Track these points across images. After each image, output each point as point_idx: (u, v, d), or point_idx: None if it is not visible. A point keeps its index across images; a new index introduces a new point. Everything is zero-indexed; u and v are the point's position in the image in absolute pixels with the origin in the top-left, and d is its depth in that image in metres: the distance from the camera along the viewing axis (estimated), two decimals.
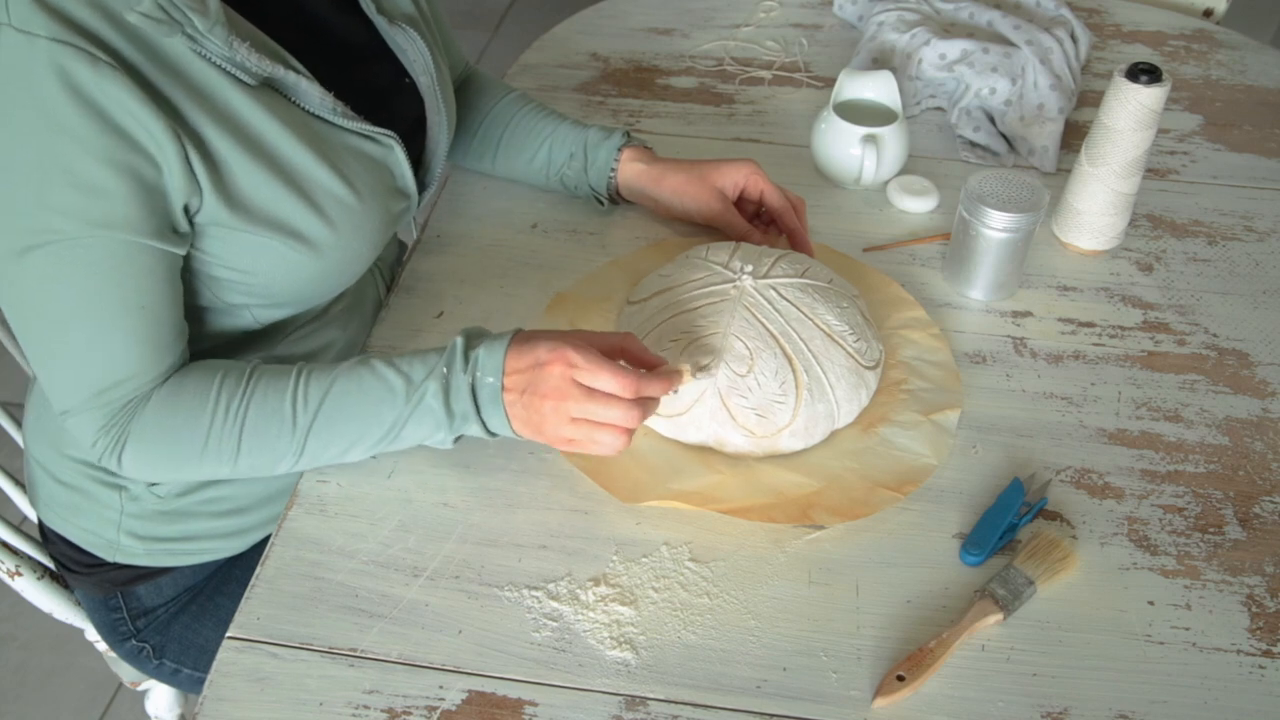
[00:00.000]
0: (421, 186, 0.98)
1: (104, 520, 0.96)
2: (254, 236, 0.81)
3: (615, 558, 0.82)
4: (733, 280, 0.91)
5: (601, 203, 1.10)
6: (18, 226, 0.73)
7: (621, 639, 0.77)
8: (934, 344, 0.96)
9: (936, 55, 1.27)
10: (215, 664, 0.76)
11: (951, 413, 0.91)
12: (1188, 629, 0.78)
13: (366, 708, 0.73)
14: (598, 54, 1.40)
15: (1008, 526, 0.83)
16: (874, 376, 0.91)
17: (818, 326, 0.89)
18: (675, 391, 0.84)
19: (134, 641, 1.03)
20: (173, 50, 0.75)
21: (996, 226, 0.98)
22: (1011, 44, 1.27)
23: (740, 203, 1.07)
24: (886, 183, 1.16)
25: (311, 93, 0.82)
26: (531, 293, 1.03)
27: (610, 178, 1.08)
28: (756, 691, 0.74)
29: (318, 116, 0.84)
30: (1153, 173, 1.20)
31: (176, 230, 0.78)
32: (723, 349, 0.86)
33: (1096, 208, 1.06)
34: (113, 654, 1.09)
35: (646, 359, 0.82)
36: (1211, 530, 0.85)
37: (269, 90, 0.80)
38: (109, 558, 0.98)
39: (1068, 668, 0.76)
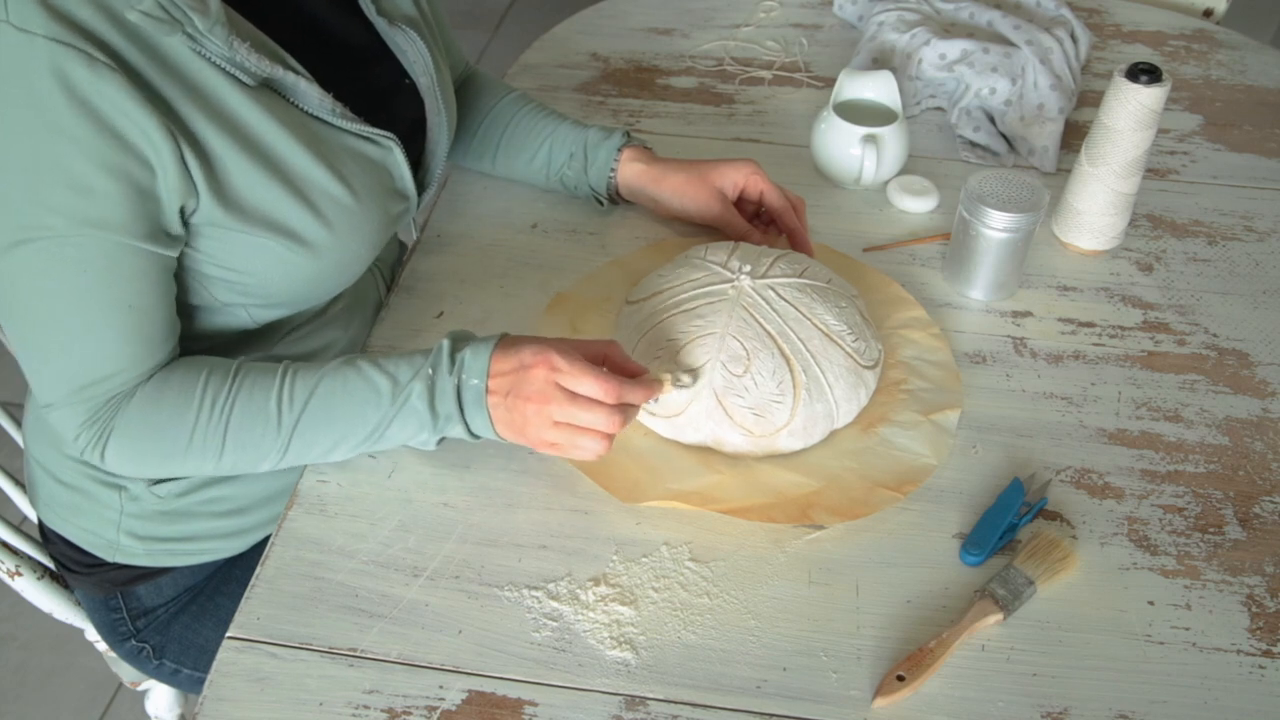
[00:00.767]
0: (421, 187, 0.98)
1: (104, 520, 0.96)
2: (250, 236, 0.81)
3: (615, 558, 0.82)
4: (731, 280, 0.91)
5: (601, 203, 1.10)
6: (8, 221, 0.74)
7: (621, 639, 0.77)
8: (934, 344, 0.96)
9: (936, 55, 1.27)
10: (215, 664, 0.76)
11: (951, 413, 0.91)
12: (1188, 629, 0.78)
13: (366, 708, 0.73)
14: (598, 54, 1.40)
15: (1008, 526, 0.83)
16: (873, 376, 0.91)
17: (816, 326, 0.89)
18: (655, 400, 0.85)
19: (134, 641, 1.03)
20: (172, 49, 0.75)
21: (996, 226, 0.98)
22: (1011, 44, 1.27)
23: (740, 203, 1.07)
24: (886, 183, 1.16)
25: (310, 93, 0.82)
26: (531, 293, 1.03)
27: (610, 177, 1.08)
28: (756, 691, 0.74)
29: (316, 117, 0.84)
30: (1153, 173, 1.20)
31: (169, 233, 0.78)
32: (708, 364, 0.86)
33: (1096, 208, 1.06)
34: (113, 654, 1.09)
35: (629, 367, 0.83)
36: (1211, 530, 0.85)
37: (268, 91, 0.80)
38: (109, 558, 0.98)
39: (1068, 668, 0.76)
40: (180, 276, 0.84)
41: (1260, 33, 2.79)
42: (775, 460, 0.87)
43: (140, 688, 1.21)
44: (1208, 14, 1.57)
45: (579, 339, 0.83)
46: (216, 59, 0.76)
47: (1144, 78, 0.99)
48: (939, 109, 1.29)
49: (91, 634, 1.11)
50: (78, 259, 0.75)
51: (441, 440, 0.84)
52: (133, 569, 0.99)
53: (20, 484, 1.10)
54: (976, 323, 1.02)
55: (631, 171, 1.07)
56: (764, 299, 0.89)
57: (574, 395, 0.78)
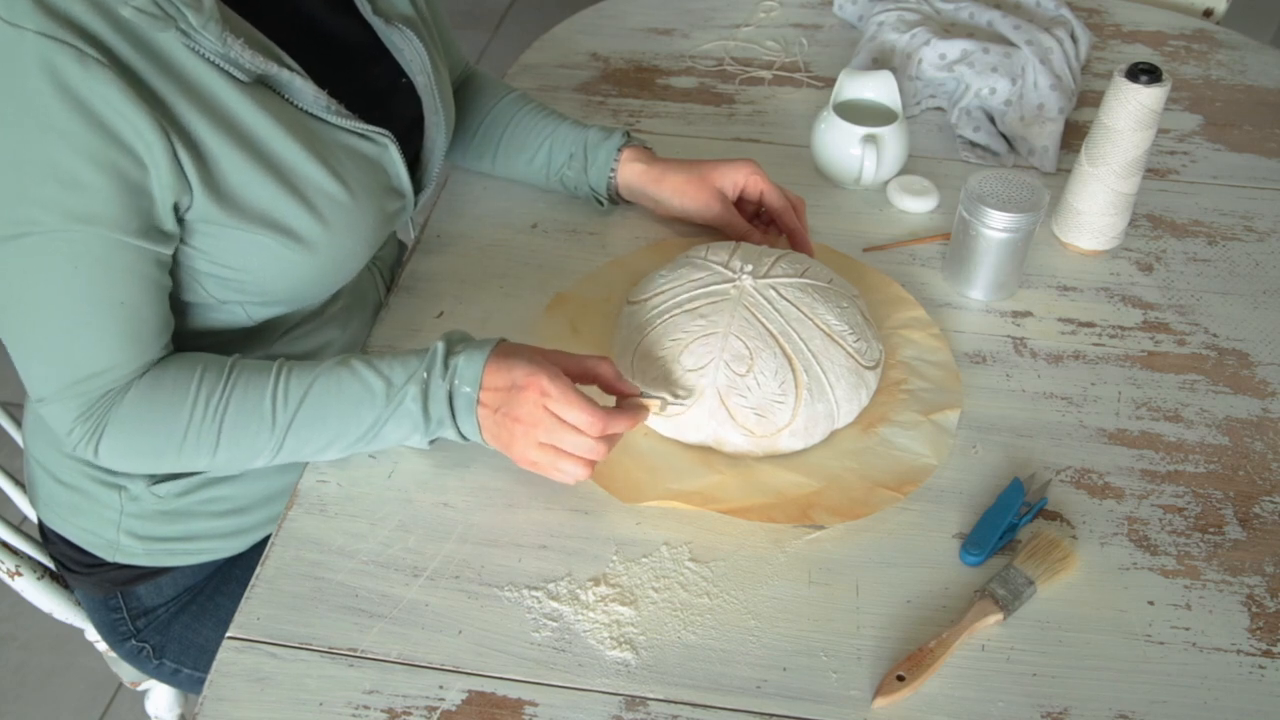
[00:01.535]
0: (419, 186, 0.98)
1: (104, 520, 0.96)
2: (246, 233, 0.81)
3: (615, 558, 0.82)
4: (733, 280, 0.91)
5: (601, 203, 1.10)
6: None
7: (621, 639, 0.77)
8: (934, 344, 0.96)
9: (936, 55, 1.27)
10: (215, 664, 0.76)
11: (951, 413, 0.91)
12: (1188, 629, 0.78)
13: (366, 708, 0.73)
14: (598, 54, 1.40)
15: (1008, 526, 0.83)
16: (874, 376, 0.91)
17: (817, 326, 0.89)
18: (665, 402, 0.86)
19: (134, 641, 1.03)
20: (166, 45, 0.75)
21: (996, 226, 0.98)
22: (1011, 44, 1.27)
23: (740, 203, 1.07)
24: (886, 183, 1.16)
25: (305, 90, 0.82)
26: (531, 293, 1.03)
27: (610, 178, 1.08)
28: (756, 691, 0.74)
29: (312, 114, 0.84)
30: (1153, 173, 1.20)
31: (161, 230, 0.78)
32: (710, 365, 0.86)
33: (1096, 208, 1.06)
34: (113, 654, 1.09)
35: (620, 387, 0.84)
36: (1211, 530, 0.85)
37: (263, 87, 0.80)
38: (109, 558, 0.98)
39: (1068, 668, 0.76)
40: (176, 274, 0.84)
41: (1260, 33, 2.79)
42: (775, 460, 0.87)
43: (140, 688, 1.21)
44: (1208, 14, 1.57)
45: (573, 355, 0.84)
46: (210, 55, 0.76)
47: (1144, 78, 0.99)
48: (939, 109, 1.29)
49: (91, 634, 1.11)
50: (68, 254, 0.75)
51: (434, 441, 0.85)
52: (133, 569, 0.99)
53: (20, 484, 1.10)
54: (976, 323, 1.02)
55: (631, 172, 1.07)
56: (766, 299, 0.89)
57: (561, 421, 0.79)
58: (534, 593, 0.80)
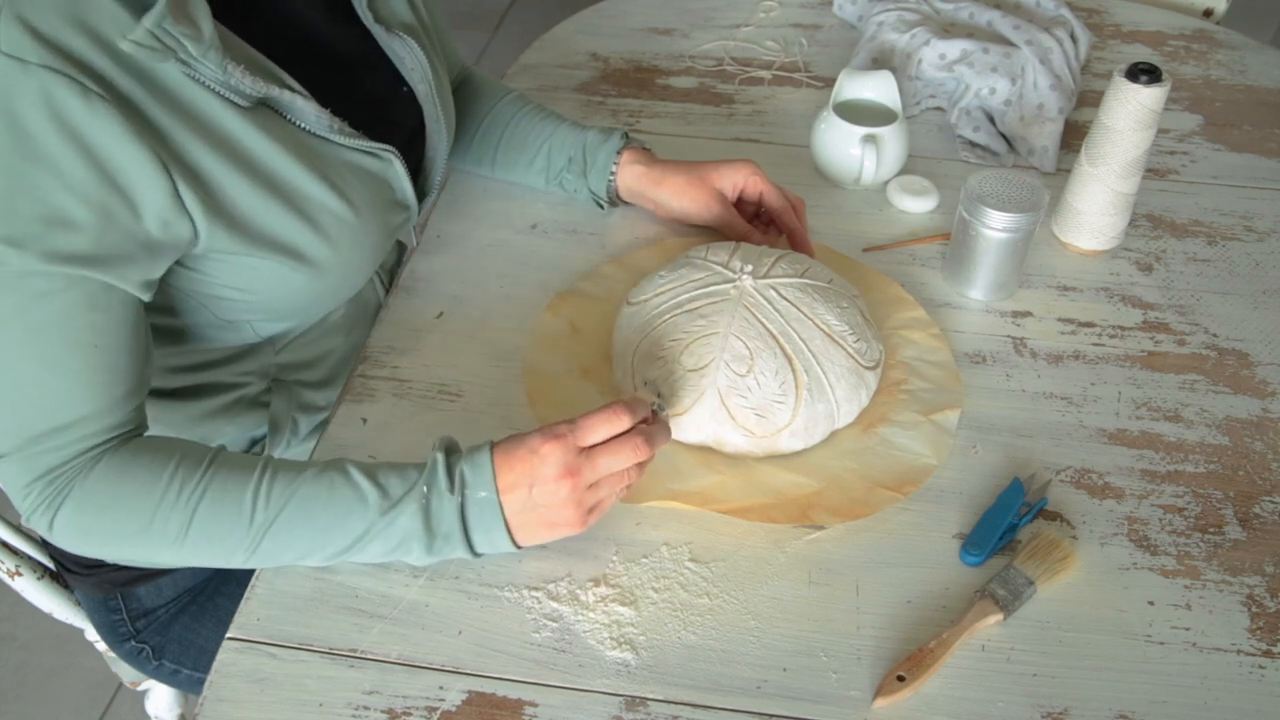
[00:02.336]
0: (421, 195, 0.98)
1: None
2: (254, 259, 0.81)
3: (615, 558, 0.82)
4: (733, 280, 0.91)
5: (602, 206, 1.10)
6: None
7: (621, 639, 0.77)
8: (934, 344, 0.96)
9: (936, 55, 1.27)
10: (215, 664, 0.76)
11: (951, 413, 0.91)
12: (1188, 629, 0.78)
13: (366, 708, 0.73)
14: (598, 54, 1.40)
15: (1008, 526, 0.83)
16: (874, 377, 0.91)
17: (818, 326, 0.89)
18: (658, 407, 0.83)
19: (134, 642, 1.03)
20: (165, 76, 0.73)
21: (996, 226, 0.98)
22: (1011, 44, 1.27)
23: (740, 203, 1.07)
24: (886, 183, 1.16)
25: (308, 111, 0.81)
26: (531, 293, 1.03)
27: (610, 181, 1.08)
28: (756, 692, 0.74)
29: (314, 134, 0.83)
30: (1153, 173, 1.20)
31: (146, 278, 0.76)
32: (712, 364, 0.86)
33: (1096, 208, 1.06)
34: (113, 654, 1.09)
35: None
36: (1211, 530, 0.85)
37: (264, 109, 0.79)
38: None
39: (1068, 668, 0.76)
40: (185, 298, 0.84)
41: (1260, 33, 2.79)
42: (775, 460, 0.87)
43: (140, 688, 1.21)
44: (1208, 14, 1.57)
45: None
46: (211, 83, 0.75)
47: (1144, 78, 0.99)
48: (939, 109, 1.29)
49: (91, 634, 1.11)
50: (45, 292, 0.71)
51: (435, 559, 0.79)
52: (132, 569, 0.99)
53: None
54: (976, 323, 1.02)
55: (631, 174, 1.07)
56: (766, 299, 0.89)
57: (593, 449, 0.76)
58: (534, 593, 0.80)
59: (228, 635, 0.77)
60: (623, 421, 0.76)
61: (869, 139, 1.11)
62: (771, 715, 0.73)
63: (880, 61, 1.30)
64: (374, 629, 0.78)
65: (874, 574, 0.81)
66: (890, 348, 0.96)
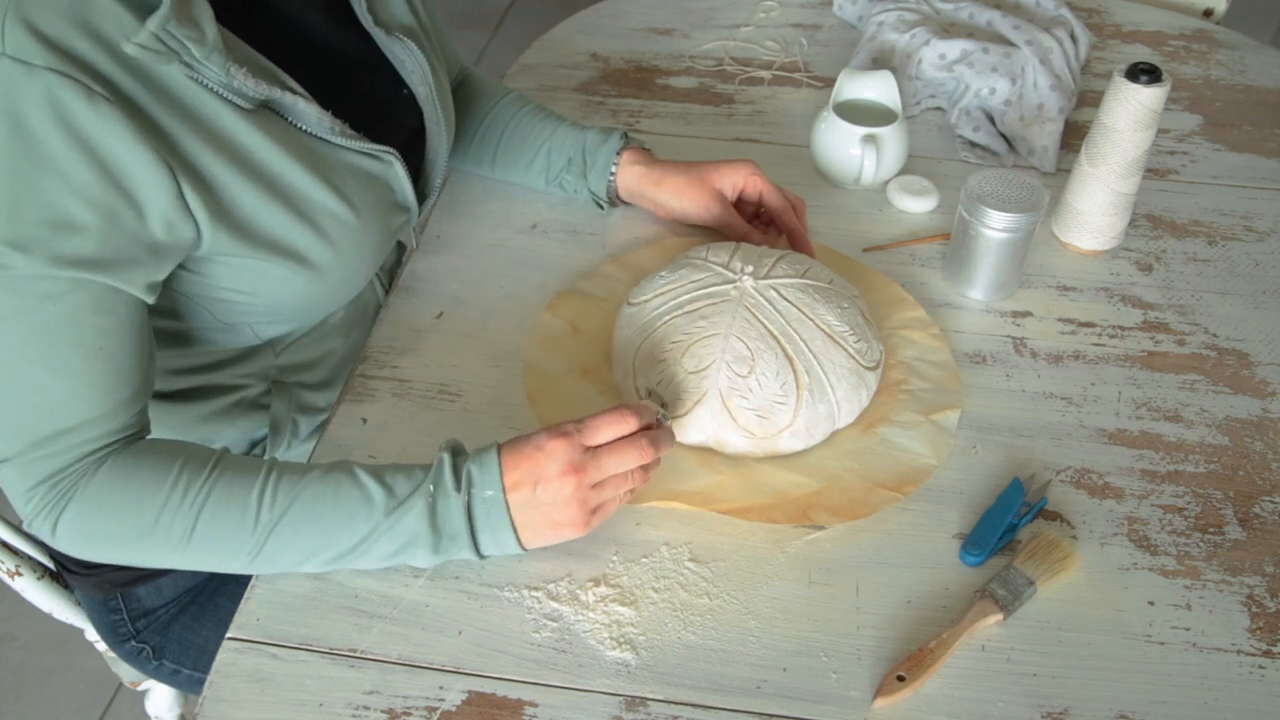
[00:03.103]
0: (422, 197, 0.97)
1: None
2: (256, 261, 0.81)
3: (615, 558, 0.82)
4: (733, 281, 0.91)
5: (602, 206, 1.10)
6: None
7: (621, 639, 0.77)
8: (934, 344, 0.97)
9: (936, 55, 1.27)
10: (215, 664, 0.76)
11: (951, 413, 0.91)
12: (1188, 629, 0.78)
13: (366, 708, 0.73)
14: (598, 54, 1.40)
15: (1008, 526, 0.83)
16: (874, 377, 0.91)
17: (818, 327, 0.89)
18: (663, 416, 0.84)
19: (134, 642, 1.03)
20: (169, 78, 0.73)
21: (996, 226, 0.98)
22: (1011, 44, 1.27)
23: (739, 203, 1.07)
24: (886, 183, 1.16)
25: (309, 113, 0.81)
26: (531, 293, 1.03)
27: (610, 181, 1.08)
28: (756, 692, 0.74)
29: (316, 136, 0.83)
30: (1153, 173, 1.20)
31: (151, 280, 0.76)
32: (713, 365, 0.86)
33: (1096, 208, 1.06)
34: (113, 654, 1.09)
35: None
36: (1211, 530, 0.85)
37: (266, 112, 0.79)
38: None
39: (1068, 668, 0.76)
40: (186, 300, 0.83)
41: (1260, 33, 2.79)
42: (776, 461, 0.87)
43: (140, 688, 1.21)
44: (1208, 14, 1.57)
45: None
46: (214, 85, 0.75)
47: (1144, 78, 0.99)
48: (939, 109, 1.29)
49: (91, 634, 1.11)
50: (49, 295, 0.71)
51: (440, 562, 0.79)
52: (132, 569, 0.99)
53: None
54: (976, 323, 1.02)
55: (631, 175, 1.07)
56: (766, 300, 0.89)
57: (599, 449, 0.76)
58: (534, 593, 0.80)
59: (228, 635, 0.77)
60: (629, 424, 0.77)
61: (869, 139, 1.11)
62: (771, 715, 0.73)
63: (880, 61, 1.30)
64: (374, 629, 0.78)
65: (874, 574, 0.81)
66: (890, 348, 0.96)
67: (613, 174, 1.07)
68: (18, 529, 1.03)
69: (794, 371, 0.86)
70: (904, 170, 1.17)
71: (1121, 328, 1.01)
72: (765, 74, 1.36)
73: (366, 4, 0.90)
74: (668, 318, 0.90)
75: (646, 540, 0.83)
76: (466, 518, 0.76)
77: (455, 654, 0.76)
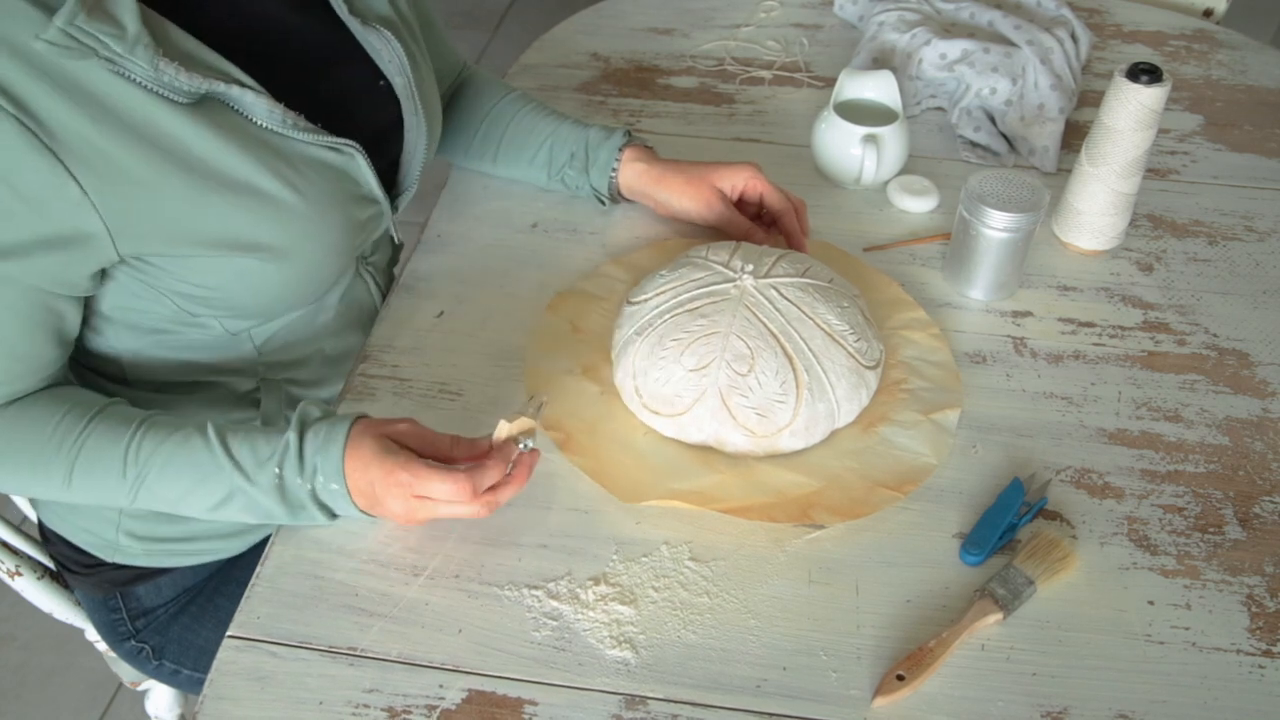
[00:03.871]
0: (399, 190, 0.97)
1: (103, 520, 0.96)
2: (203, 256, 0.80)
3: (615, 557, 0.82)
4: (733, 280, 0.91)
5: (603, 202, 1.10)
6: None
7: (621, 638, 0.77)
8: (934, 344, 0.97)
9: (937, 55, 1.27)
10: (215, 663, 0.76)
11: (951, 412, 0.91)
12: (1188, 629, 0.78)
13: (366, 707, 0.73)
14: (598, 54, 1.40)
15: (1008, 526, 0.83)
16: (874, 376, 0.91)
17: (818, 326, 0.89)
18: (525, 445, 0.82)
19: (133, 642, 1.03)
20: (89, 76, 0.71)
21: (996, 226, 0.98)
22: (1012, 44, 1.27)
23: (740, 205, 1.07)
24: (886, 183, 1.16)
25: (258, 106, 0.79)
26: (531, 293, 1.03)
27: (612, 178, 1.08)
28: (756, 691, 0.74)
29: (269, 129, 0.81)
30: (1153, 173, 1.20)
31: (56, 274, 0.77)
32: (712, 364, 0.86)
33: (1096, 208, 1.06)
34: (113, 654, 1.09)
35: (459, 455, 0.81)
36: (1211, 530, 0.85)
37: (212, 104, 0.78)
38: (108, 558, 0.98)
39: (1068, 668, 0.76)
40: (149, 291, 0.83)
41: (1260, 33, 2.79)
42: (776, 460, 0.87)
43: (140, 688, 1.21)
44: (1208, 14, 1.57)
45: (424, 431, 0.81)
46: (143, 80, 0.73)
47: (1144, 78, 0.99)
48: (939, 109, 1.29)
49: (91, 634, 1.11)
50: None
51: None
52: (132, 569, 0.99)
53: None
54: (976, 323, 1.02)
55: (632, 172, 1.07)
56: (766, 298, 0.89)
57: (432, 501, 0.78)
58: (534, 592, 0.80)
59: (228, 634, 0.77)
60: (466, 496, 0.77)
61: (869, 139, 1.11)
62: (771, 714, 0.73)
63: (881, 61, 1.30)
64: (374, 627, 0.78)
65: (874, 573, 0.81)
66: (890, 347, 0.96)
67: (615, 170, 1.07)
68: (18, 529, 1.03)
69: (794, 370, 0.86)
70: (904, 170, 1.17)
71: (1122, 328, 1.01)
72: (766, 74, 1.36)
73: None
74: (668, 316, 0.90)
75: (646, 539, 0.83)
76: (313, 498, 0.79)
77: (455, 652, 0.76)
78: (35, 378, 0.82)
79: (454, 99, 1.15)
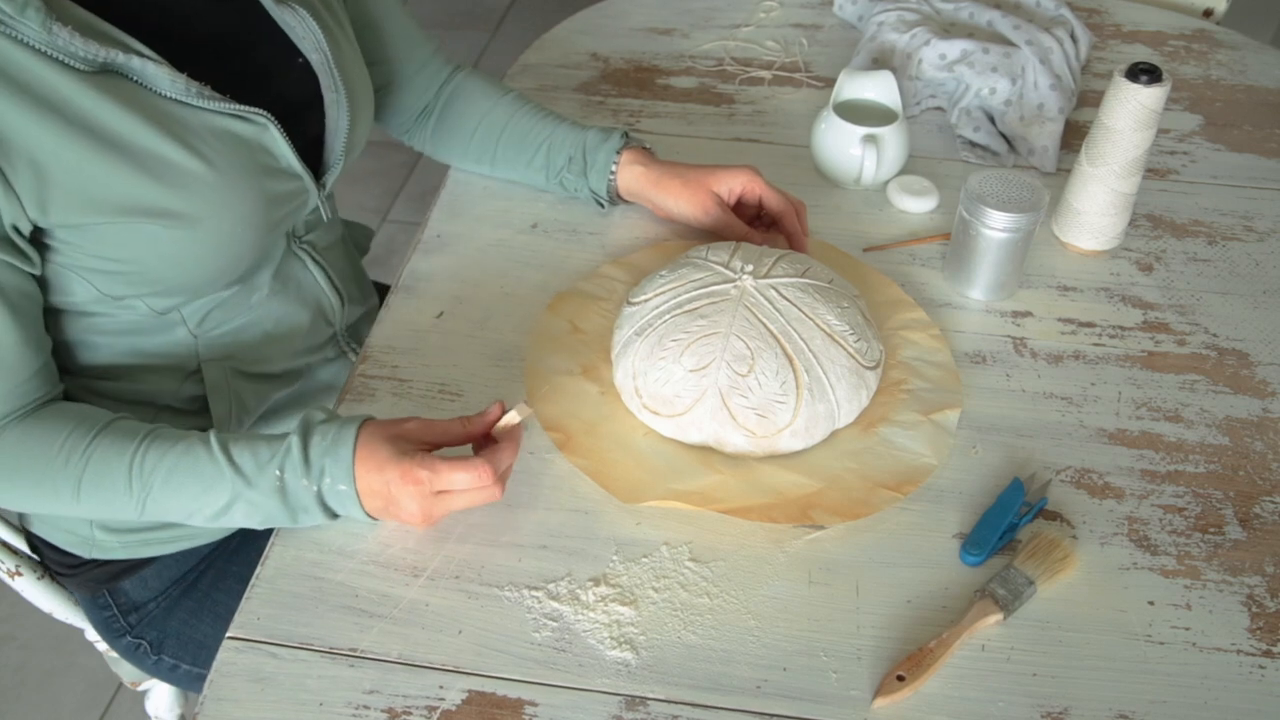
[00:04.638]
0: (324, 168, 0.96)
1: (77, 518, 0.96)
2: (112, 225, 0.80)
3: (615, 558, 0.82)
4: (733, 280, 0.91)
5: (602, 205, 1.10)
6: None
7: (621, 639, 0.77)
8: (934, 344, 0.97)
9: (936, 55, 1.27)
10: (215, 664, 0.76)
11: (951, 413, 0.91)
12: (1188, 629, 0.78)
13: (366, 708, 0.73)
14: (598, 54, 1.40)
15: (1008, 526, 0.83)
16: (874, 376, 0.91)
17: (818, 326, 0.89)
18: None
19: (130, 637, 1.03)
20: None
21: (996, 226, 0.98)
22: (1011, 44, 1.27)
23: (739, 207, 1.07)
24: (886, 183, 1.16)
25: (160, 76, 0.80)
26: (531, 293, 1.03)
27: (610, 180, 1.08)
28: (756, 691, 0.74)
29: (172, 99, 0.81)
30: (1153, 173, 1.20)
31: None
32: (713, 364, 0.86)
33: (1096, 208, 1.06)
34: (113, 654, 1.09)
35: (474, 430, 0.83)
36: (1211, 530, 0.85)
37: (112, 75, 0.78)
38: (86, 554, 0.98)
39: (1068, 668, 0.76)
40: (61, 273, 0.83)
41: (1260, 33, 2.79)
42: (776, 460, 0.87)
43: (140, 688, 1.21)
44: (1208, 14, 1.57)
45: (429, 421, 0.82)
46: (39, 46, 0.74)
47: (1144, 78, 0.99)
48: (939, 109, 1.29)
49: (91, 634, 1.11)
50: None
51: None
52: (114, 564, 0.99)
53: None
54: (976, 323, 1.02)
55: (630, 175, 1.07)
56: (767, 299, 0.89)
57: (450, 494, 0.79)
58: (534, 593, 0.80)
59: (228, 634, 0.77)
60: (487, 479, 0.78)
61: (869, 139, 1.11)
62: (771, 715, 0.73)
63: (880, 61, 1.30)
64: (374, 628, 0.78)
65: (874, 574, 0.81)
66: (890, 348, 0.96)
67: (613, 173, 1.07)
68: (18, 529, 1.03)
69: (794, 370, 0.87)
70: (904, 170, 1.17)
71: (1121, 328, 1.01)
72: (765, 74, 1.36)
73: None
74: (667, 317, 0.90)
75: (646, 540, 0.83)
76: (318, 500, 0.80)
77: (455, 653, 0.76)
78: (21, 373, 0.82)
79: (450, 101, 1.15)
